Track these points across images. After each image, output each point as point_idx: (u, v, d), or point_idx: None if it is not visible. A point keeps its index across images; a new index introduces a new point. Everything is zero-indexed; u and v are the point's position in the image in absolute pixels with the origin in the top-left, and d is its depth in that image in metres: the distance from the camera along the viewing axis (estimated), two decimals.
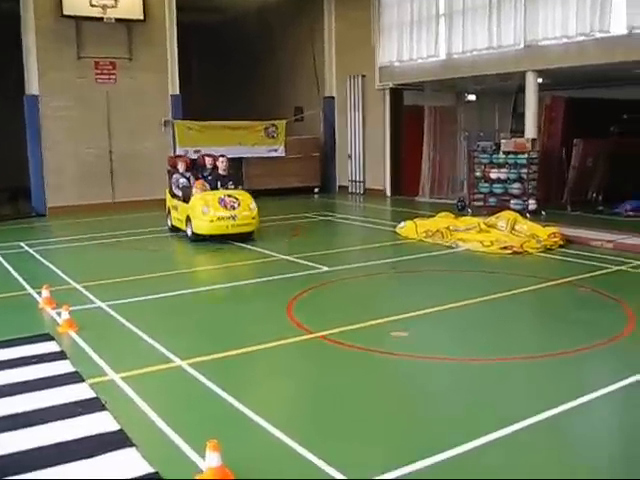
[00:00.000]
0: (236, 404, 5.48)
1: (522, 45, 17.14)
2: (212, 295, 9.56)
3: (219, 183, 13.93)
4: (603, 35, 15.46)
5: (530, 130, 17.20)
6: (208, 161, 14.71)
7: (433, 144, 20.99)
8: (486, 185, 17.18)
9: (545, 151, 17.78)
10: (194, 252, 12.98)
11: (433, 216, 15.04)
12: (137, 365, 6.42)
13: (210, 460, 4.30)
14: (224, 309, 8.97)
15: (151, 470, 4.45)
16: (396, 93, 21.60)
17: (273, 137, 22.31)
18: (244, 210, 13.31)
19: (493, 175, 16.96)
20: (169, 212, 14.86)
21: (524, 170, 16.48)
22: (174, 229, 14.60)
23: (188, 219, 13.44)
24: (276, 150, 22.31)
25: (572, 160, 17.66)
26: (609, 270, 10.59)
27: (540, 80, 17.57)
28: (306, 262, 11.32)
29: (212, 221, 13.03)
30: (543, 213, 16.18)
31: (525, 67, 17.17)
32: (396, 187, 21.91)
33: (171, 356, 6.65)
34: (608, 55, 15.31)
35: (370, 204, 20.48)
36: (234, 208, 13.20)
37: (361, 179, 22.82)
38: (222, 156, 14.53)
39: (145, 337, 7.30)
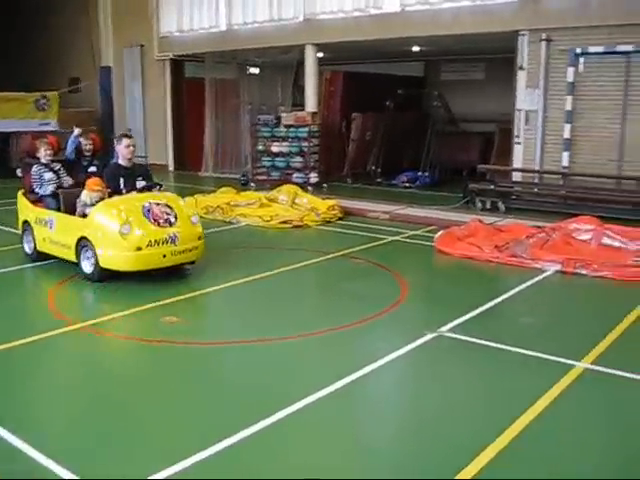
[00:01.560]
0: None
1: (301, 18, 17.18)
2: None
3: (124, 181, 8.79)
4: (377, 11, 15.85)
5: (310, 104, 17.34)
6: (85, 143, 10.14)
7: (215, 118, 20.59)
8: (269, 159, 17.12)
9: (326, 125, 17.99)
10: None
11: (214, 192, 14.73)
12: None
13: None
14: None
15: None
16: (177, 64, 20.96)
17: (44, 110, 20.77)
18: (185, 225, 8.43)
19: (275, 149, 16.93)
20: (26, 229, 9.45)
21: (305, 144, 16.60)
22: (40, 256, 9.22)
23: (83, 245, 8.29)
24: (48, 124, 20.76)
25: (352, 133, 18.04)
26: (385, 241, 10.86)
27: (320, 54, 17.74)
28: None
29: (139, 248, 7.96)
30: (325, 186, 16.40)
31: (304, 40, 17.23)
32: (179, 162, 21.37)
33: None
34: (382, 31, 15.71)
35: None
36: (170, 223, 8.28)
37: (143, 154, 21.93)
38: (126, 136, 9.17)
39: None
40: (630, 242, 9.75)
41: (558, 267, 8.99)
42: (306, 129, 16.64)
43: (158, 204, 8.37)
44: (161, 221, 8.20)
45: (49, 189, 9.24)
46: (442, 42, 16.19)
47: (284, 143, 16.89)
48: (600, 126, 13.48)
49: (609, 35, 12.97)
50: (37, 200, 9.39)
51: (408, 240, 10.98)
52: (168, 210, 8.36)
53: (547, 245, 9.85)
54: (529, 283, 8.30)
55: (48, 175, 9.37)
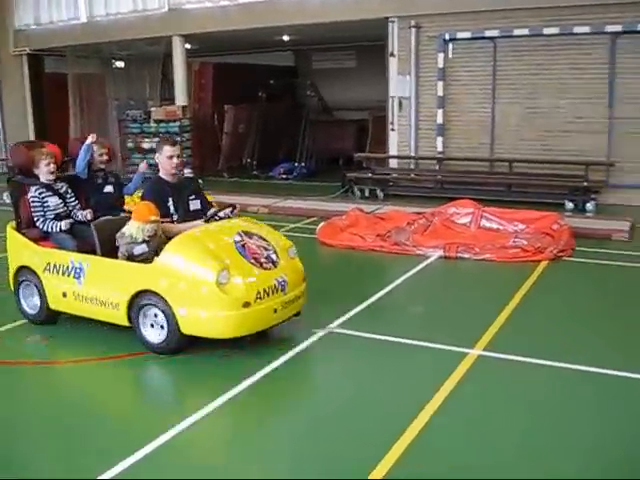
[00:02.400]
0: None
1: (167, 8, 16.61)
2: None
3: (173, 203, 6.34)
4: (244, 0, 15.50)
5: (180, 97, 16.81)
6: (99, 153, 7.16)
7: (81, 115, 19.58)
8: (139, 156, 16.41)
9: (197, 118, 17.52)
10: None
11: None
12: None
13: None
14: None
15: None
16: (36, 59, 19.79)
17: None
18: (288, 264, 6.10)
19: (146, 145, 16.28)
20: (24, 280, 6.62)
21: (177, 139, 16.01)
22: (51, 315, 6.56)
23: (145, 303, 5.75)
24: None
25: (225, 126, 17.62)
26: None
27: (188, 46, 17.22)
28: None
29: (247, 304, 5.53)
30: (200, 181, 15.88)
31: (171, 32, 16.67)
32: None
33: None
34: (250, 20, 15.37)
35: None
36: (274, 263, 5.93)
37: (2, 157, 20.67)
38: (169, 143, 6.60)
39: None
40: (508, 224, 9.90)
41: (441, 252, 8.99)
42: (177, 124, 16.16)
43: (250, 236, 6.02)
44: (263, 260, 5.83)
45: (62, 224, 6.50)
46: (312, 31, 16.03)
47: (155, 139, 16.25)
48: (471, 110, 13.71)
49: (476, 21, 13.17)
50: (42, 237, 6.59)
51: (289, 233, 10.69)
52: (265, 244, 6.02)
53: (428, 231, 9.86)
54: (414, 271, 8.22)
55: (53, 201, 6.59)
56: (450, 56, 13.60)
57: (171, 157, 6.28)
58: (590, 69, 12.62)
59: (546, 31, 12.63)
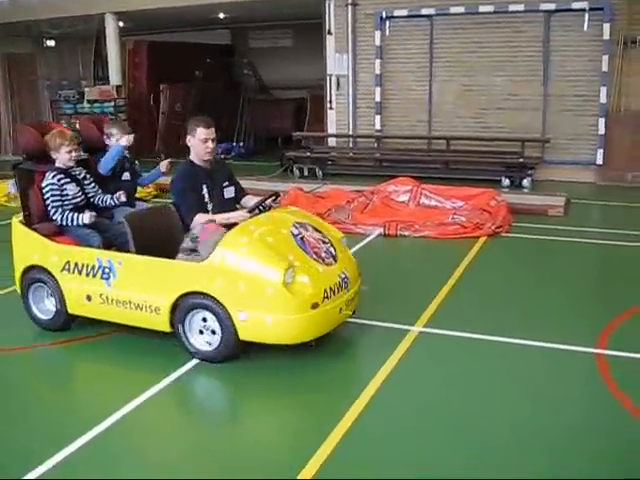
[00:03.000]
0: None
1: None
2: None
3: (208, 191, 5.70)
4: None
5: (114, 77, 16.39)
6: (115, 133, 6.57)
7: (11, 96, 18.99)
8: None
9: (132, 98, 17.13)
10: None
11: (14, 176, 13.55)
12: None
13: None
14: None
15: None
16: None
17: None
18: (346, 258, 5.62)
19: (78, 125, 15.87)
20: (34, 282, 5.89)
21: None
22: (69, 320, 5.86)
23: (194, 306, 5.15)
24: None
25: (161, 106, 17.30)
26: None
27: (121, 23, 16.76)
28: None
29: (316, 305, 4.98)
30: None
31: (103, 9, 16.16)
32: None
33: None
34: None
35: None
36: (334, 257, 5.40)
37: None
38: (204, 124, 5.79)
39: None
40: (446, 200, 9.96)
41: (381, 230, 9.01)
42: (112, 104, 15.83)
43: (306, 227, 5.49)
44: (324, 255, 5.31)
45: (85, 217, 5.80)
46: (248, 8, 15.82)
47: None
48: (409, 88, 13.75)
49: None
50: (56, 232, 5.86)
51: None
52: (321, 236, 5.50)
53: (368, 209, 9.88)
54: (355, 249, 8.18)
55: (72, 189, 5.95)
56: (387, 34, 13.59)
57: (205, 140, 5.61)
58: (525, 47, 12.76)
59: (482, 9, 12.71)
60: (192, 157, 5.75)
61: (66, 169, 5.92)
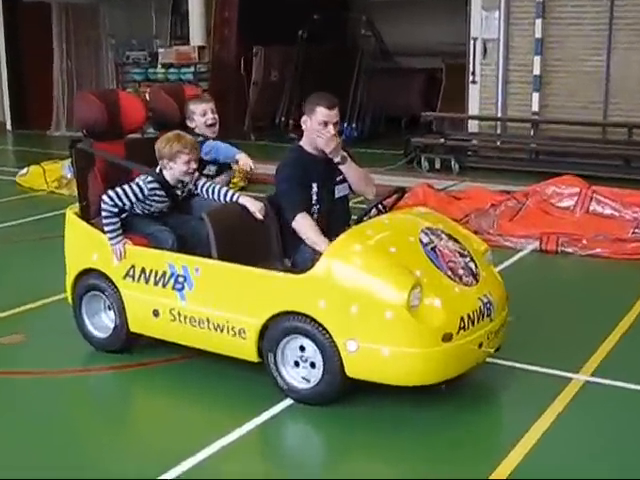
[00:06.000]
0: None
1: None
2: None
3: (318, 186, 5.82)
4: None
5: (197, 36, 16.87)
6: (201, 110, 6.60)
7: (67, 57, 19.80)
8: None
9: (218, 63, 17.51)
10: None
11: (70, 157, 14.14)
12: None
13: None
14: None
15: None
16: None
17: None
18: (490, 276, 5.57)
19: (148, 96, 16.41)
20: (88, 289, 6.07)
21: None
22: (129, 340, 6.01)
23: (290, 329, 5.13)
24: None
25: (253, 74, 17.62)
26: None
27: None
28: None
29: (448, 337, 4.85)
30: None
31: None
32: (19, 118, 20.62)
33: None
34: None
35: None
36: (474, 275, 5.31)
37: None
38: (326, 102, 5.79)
39: None
40: (625, 209, 9.73)
41: (536, 245, 8.94)
42: (191, 69, 16.30)
43: (438, 235, 5.40)
44: (461, 272, 5.22)
45: (159, 205, 5.97)
46: None
47: None
48: (579, 58, 13.56)
49: None
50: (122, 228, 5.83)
51: None
52: (458, 247, 5.41)
53: (519, 216, 9.78)
54: (501, 267, 8.09)
55: (160, 203, 6.00)
56: None
57: (325, 124, 5.62)
58: None
59: None
60: (304, 143, 5.84)
61: (169, 184, 5.86)
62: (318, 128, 5.64)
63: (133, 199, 5.73)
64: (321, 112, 5.62)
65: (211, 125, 6.52)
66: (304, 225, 5.47)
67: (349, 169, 5.87)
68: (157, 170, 5.84)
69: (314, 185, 5.69)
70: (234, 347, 5.37)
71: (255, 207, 5.67)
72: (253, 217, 5.66)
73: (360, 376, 4.96)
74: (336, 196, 5.87)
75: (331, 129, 5.63)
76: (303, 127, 5.79)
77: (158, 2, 20.05)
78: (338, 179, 5.87)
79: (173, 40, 18.57)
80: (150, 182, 5.79)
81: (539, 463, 4.52)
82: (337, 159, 5.75)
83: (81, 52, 20.01)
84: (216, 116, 6.61)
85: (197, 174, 5.99)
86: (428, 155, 13.79)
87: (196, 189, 6.00)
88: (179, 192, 5.99)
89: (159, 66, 16.56)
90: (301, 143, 5.86)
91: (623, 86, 13.26)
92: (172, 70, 16.41)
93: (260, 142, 17.07)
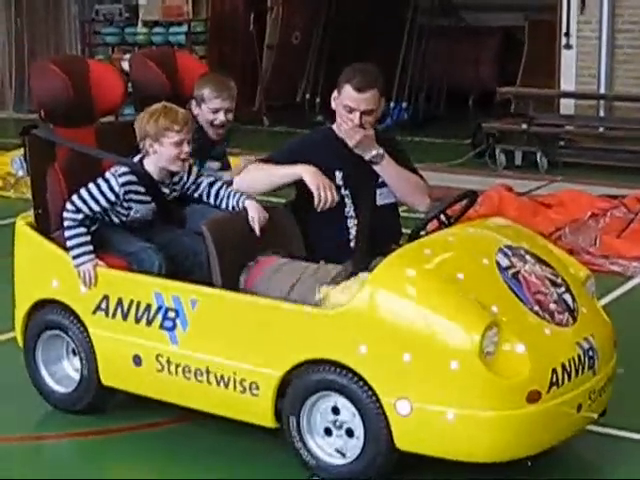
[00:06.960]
0: None
1: None
2: None
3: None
4: None
5: None
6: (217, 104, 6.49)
7: (15, 13, 19.99)
8: None
9: (219, 20, 17.63)
10: None
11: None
12: None
13: None
14: None
15: None
16: None
17: None
18: (588, 310, 5.39)
19: (127, 65, 16.54)
20: (45, 328, 6.06)
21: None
22: (103, 396, 5.98)
23: (320, 385, 5.07)
24: None
25: (267, 35, 17.71)
26: None
27: None
28: None
29: (536, 397, 4.69)
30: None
31: None
32: None
33: None
34: None
35: None
36: (570, 310, 5.20)
37: None
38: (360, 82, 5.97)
39: None
40: None
41: None
42: (183, 29, 16.45)
43: (522, 256, 5.33)
44: (553, 306, 5.12)
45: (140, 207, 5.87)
46: None
47: None
48: None
49: None
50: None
51: None
52: (550, 272, 5.35)
53: (631, 230, 9.80)
54: (607, 301, 8.12)
55: (144, 207, 5.89)
56: None
57: (351, 110, 5.65)
58: None
59: None
60: (336, 127, 5.84)
61: (151, 178, 5.76)
62: (342, 113, 5.68)
63: (102, 201, 5.61)
64: (347, 93, 5.62)
65: (219, 126, 6.44)
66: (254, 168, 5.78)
67: (386, 170, 5.82)
68: (136, 160, 5.74)
69: (337, 173, 5.71)
70: (243, 408, 5.30)
71: (255, 213, 5.61)
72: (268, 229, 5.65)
73: (414, 448, 4.83)
74: (379, 202, 5.87)
75: (356, 117, 5.61)
76: (333, 105, 5.81)
77: None
78: (381, 180, 5.86)
79: None
80: (123, 175, 5.66)
81: None
82: (367, 156, 5.73)
83: (34, 7, 20.18)
84: (231, 117, 6.48)
85: (196, 168, 5.97)
86: (505, 146, 13.81)
87: (196, 190, 5.94)
88: (166, 190, 5.87)
89: (140, 24, 16.64)
90: (333, 126, 5.86)
91: None
92: (157, 30, 16.48)
93: (276, 128, 17.13)
